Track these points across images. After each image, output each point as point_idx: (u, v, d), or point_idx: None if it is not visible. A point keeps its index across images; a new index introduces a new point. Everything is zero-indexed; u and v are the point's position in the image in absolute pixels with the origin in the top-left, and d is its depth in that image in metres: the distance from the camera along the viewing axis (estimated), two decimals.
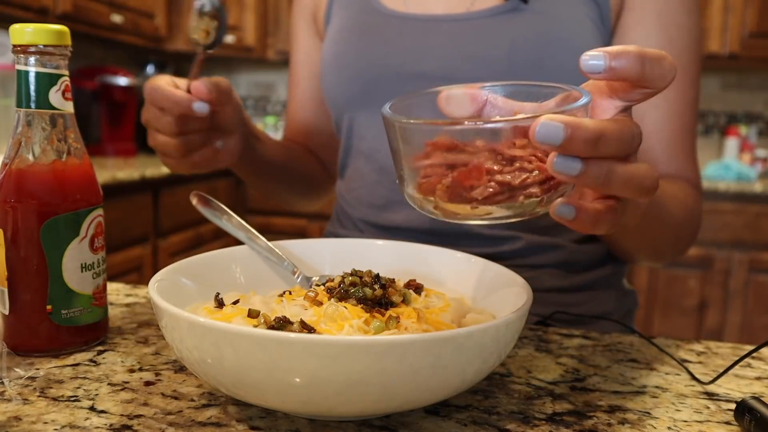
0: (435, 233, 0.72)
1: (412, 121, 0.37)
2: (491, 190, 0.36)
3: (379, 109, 0.72)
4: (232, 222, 0.59)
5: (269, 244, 0.57)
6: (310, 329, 0.41)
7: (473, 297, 0.53)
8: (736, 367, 0.52)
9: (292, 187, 0.90)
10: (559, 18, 0.69)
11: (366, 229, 0.79)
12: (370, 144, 0.76)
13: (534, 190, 0.36)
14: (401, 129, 0.38)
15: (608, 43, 0.71)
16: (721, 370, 0.51)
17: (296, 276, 0.56)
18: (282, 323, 0.41)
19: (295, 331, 0.40)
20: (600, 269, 0.75)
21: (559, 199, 0.36)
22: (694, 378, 0.50)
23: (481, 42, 0.69)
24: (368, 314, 0.43)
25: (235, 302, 0.47)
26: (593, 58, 0.35)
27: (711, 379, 0.50)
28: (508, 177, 0.36)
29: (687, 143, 0.71)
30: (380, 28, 0.75)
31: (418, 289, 0.51)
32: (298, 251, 0.59)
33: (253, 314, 0.43)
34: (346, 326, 0.41)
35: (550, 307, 0.70)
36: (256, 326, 0.41)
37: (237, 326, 0.35)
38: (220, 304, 0.47)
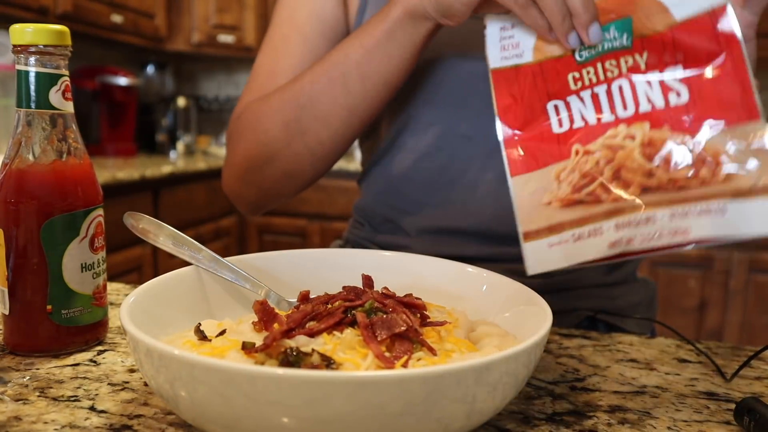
0: (495, 236, 0.70)
1: None
2: None
3: (447, 107, 0.74)
4: (177, 243, 0.52)
5: (234, 266, 0.52)
6: (329, 360, 0.37)
7: (478, 311, 0.50)
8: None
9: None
10: None
11: (414, 233, 0.75)
12: (431, 141, 0.73)
13: None
14: None
15: None
16: (722, 370, 0.51)
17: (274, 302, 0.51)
18: (297, 356, 0.37)
19: (314, 362, 0.36)
20: (631, 262, 0.80)
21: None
22: (720, 373, 0.51)
23: None
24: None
25: (222, 333, 0.43)
26: None
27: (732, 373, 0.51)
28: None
29: None
30: (445, 27, 0.70)
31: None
32: (264, 266, 0.54)
33: (248, 346, 0.38)
34: (370, 354, 0.38)
35: (594, 300, 0.74)
36: (263, 363, 0.37)
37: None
38: (202, 336, 0.42)
